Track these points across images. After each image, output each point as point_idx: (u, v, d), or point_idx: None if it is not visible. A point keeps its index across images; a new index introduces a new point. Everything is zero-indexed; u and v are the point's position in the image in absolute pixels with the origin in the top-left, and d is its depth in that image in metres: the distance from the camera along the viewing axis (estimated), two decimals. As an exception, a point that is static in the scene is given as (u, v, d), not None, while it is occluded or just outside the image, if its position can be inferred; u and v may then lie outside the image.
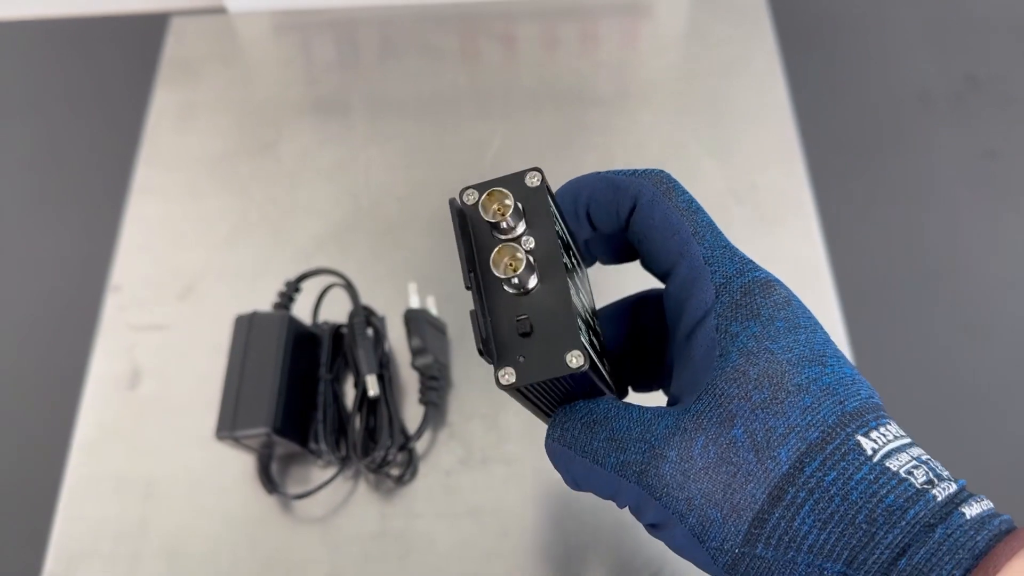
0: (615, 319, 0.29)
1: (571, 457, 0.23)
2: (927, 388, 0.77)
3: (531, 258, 0.22)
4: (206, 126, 0.60)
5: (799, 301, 0.23)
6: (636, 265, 0.27)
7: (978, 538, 0.19)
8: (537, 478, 0.45)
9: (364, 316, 0.45)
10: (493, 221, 0.22)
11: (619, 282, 0.34)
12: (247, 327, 0.44)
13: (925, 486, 0.20)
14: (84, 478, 0.47)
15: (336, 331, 0.47)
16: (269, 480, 0.43)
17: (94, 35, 0.92)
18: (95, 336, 0.51)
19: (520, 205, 0.23)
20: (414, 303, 0.47)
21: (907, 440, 0.22)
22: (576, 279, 0.24)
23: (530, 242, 0.22)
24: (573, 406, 0.23)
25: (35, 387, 0.79)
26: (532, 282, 0.22)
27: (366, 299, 0.46)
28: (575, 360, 0.21)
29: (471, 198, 0.23)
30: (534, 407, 0.24)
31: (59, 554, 0.44)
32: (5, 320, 0.82)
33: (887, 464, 0.20)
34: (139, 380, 0.49)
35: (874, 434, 0.21)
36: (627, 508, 0.23)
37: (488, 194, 0.22)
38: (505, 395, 0.22)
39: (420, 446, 0.46)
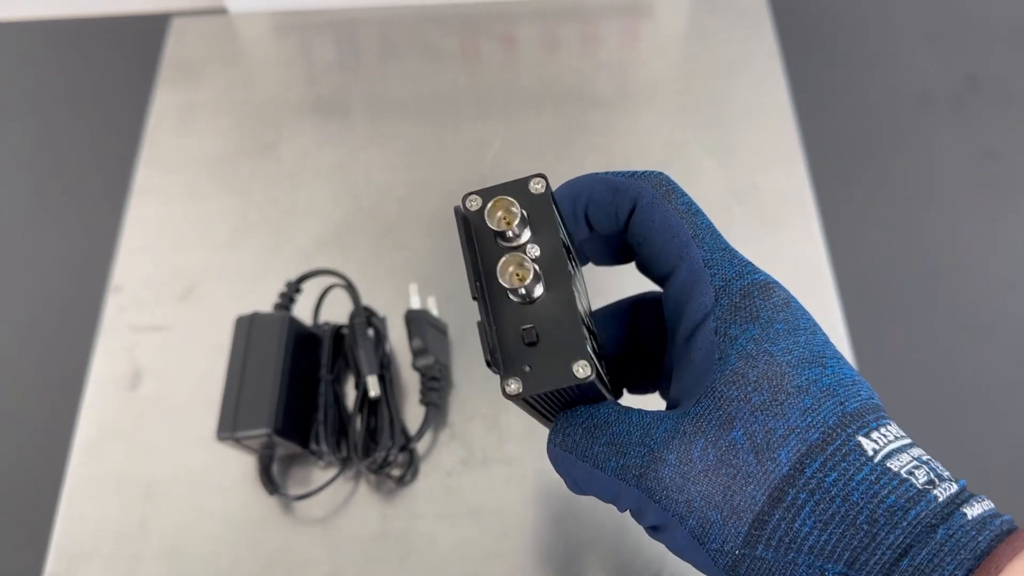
0: (612, 321, 0.29)
1: (572, 462, 0.23)
2: (927, 388, 0.77)
3: (537, 267, 0.22)
4: (207, 127, 0.60)
5: (798, 303, 0.23)
6: (633, 266, 0.27)
7: (980, 539, 0.19)
8: (538, 478, 0.45)
9: (365, 317, 0.45)
10: (499, 230, 0.22)
11: (617, 283, 0.34)
12: (248, 328, 0.44)
13: (926, 486, 0.20)
14: (85, 478, 0.47)
15: (337, 332, 0.47)
16: (270, 481, 0.43)
17: (94, 36, 0.92)
18: (96, 337, 0.51)
19: (525, 213, 0.22)
20: (415, 304, 0.47)
21: (908, 440, 0.22)
22: (577, 283, 0.24)
23: (535, 250, 0.22)
24: (574, 411, 0.23)
25: (36, 388, 0.79)
26: (538, 291, 0.22)
27: (367, 300, 0.46)
28: (582, 371, 0.21)
29: (475, 204, 0.23)
30: (536, 413, 0.24)
31: (60, 554, 0.44)
32: (6, 321, 0.82)
33: (888, 465, 0.20)
34: (140, 381, 0.49)
35: (875, 435, 0.21)
36: (628, 512, 0.23)
37: (493, 202, 0.22)
38: None
39: (421, 447, 0.46)
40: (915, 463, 0.21)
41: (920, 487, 0.20)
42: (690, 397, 0.23)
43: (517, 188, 0.23)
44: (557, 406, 0.23)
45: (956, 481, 0.21)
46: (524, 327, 0.21)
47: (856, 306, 0.60)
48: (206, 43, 0.64)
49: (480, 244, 0.23)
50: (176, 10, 0.68)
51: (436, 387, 0.46)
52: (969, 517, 0.20)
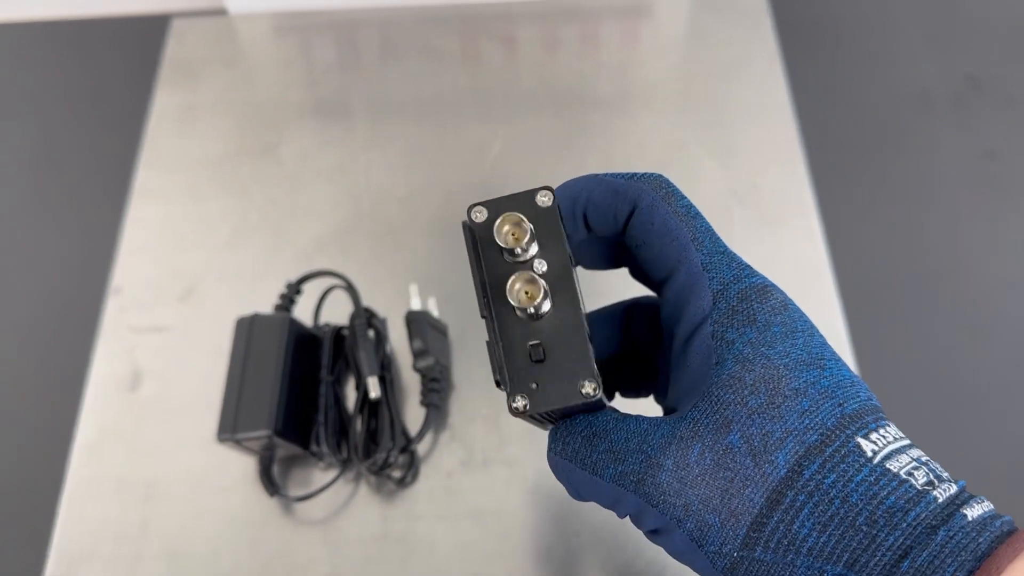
0: (606, 325, 0.29)
1: (572, 469, 0.23)
2: (927, 388, 0.77)
3: (545, 283, 0.22)
4: (207, 128, 0.60)
5: (796, 306, 0.23)
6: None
7: (980, 540, 0.19)
8: (538, 480, 0.45)
9: (365, 318, 0.45)
10: (507, 247, 0.22)
11: (614, 285, 0.34)
12: (248, 329, 0.44)
13: (926, 487, 0.20)
14: (85, 480, 0.47)
15: (337, 333, 0.47)
16: (270, 482, 0.43)
17: (95, 37, 0.92)
18: (96, 338, 0.51)
19: (532, 228, 0.22)
20: (415, 305, 0.47)
21: (907, 442, 0.22)
22: (579, 292, 0.24)
23: (543, 265, 0.22)
24: (574, 419, 0.23)
25: (36, 389, 0.79)
26: (546, 307, 0.22)
27: (367, 301, 0.46)
28: (589, 389, 0.21)
29: (480, 216, 0.23)
30: (536, 422, 0.24)
31: (60, 556, 0.44)
32: (6, 322, 0.82)
33: (887, 466, 0.20)
34: (140, 382, 0.49)
35: (874, 436, 0.21)
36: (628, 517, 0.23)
37: (502, 217, 0.22)
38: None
39: (421, 448, 0.46)
40: (914, 464, 0.21)
41: (920, 488, 0.20)
42: (687, 402, 0.23)
43: (524, 201, 0.23)
44: (558, 415, 0.23)
45: (956, 482, 0.21)
46: (531, 343, 0.21)
47: (856, 306, 0.60)
48: (206, 44, 0.64)
49: (486, 258, 0.22)
50: (176, 11, 0.68)
51: (436, 388, 0.46)
52: (969, 518, 0.20)
